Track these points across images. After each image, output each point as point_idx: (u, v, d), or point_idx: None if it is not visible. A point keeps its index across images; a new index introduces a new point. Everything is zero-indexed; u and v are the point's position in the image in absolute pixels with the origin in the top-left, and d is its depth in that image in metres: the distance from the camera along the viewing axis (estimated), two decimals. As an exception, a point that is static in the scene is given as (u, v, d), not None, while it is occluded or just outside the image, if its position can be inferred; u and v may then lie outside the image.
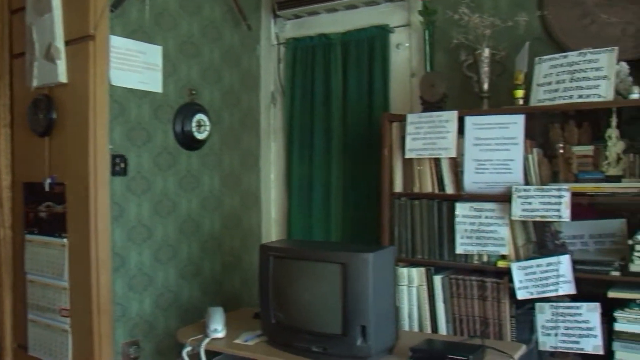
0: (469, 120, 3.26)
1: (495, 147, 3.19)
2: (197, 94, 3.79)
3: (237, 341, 3.07)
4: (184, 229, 3.77)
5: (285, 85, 4.15)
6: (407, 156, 3.42)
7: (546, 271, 3.08)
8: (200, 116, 3.75)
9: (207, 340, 3.06)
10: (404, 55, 3.87)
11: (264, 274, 3.05)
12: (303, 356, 2.87)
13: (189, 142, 3.73)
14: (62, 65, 3.15)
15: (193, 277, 3.84)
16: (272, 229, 4.25)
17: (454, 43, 3.52)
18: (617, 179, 3.01)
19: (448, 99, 3.47)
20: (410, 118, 3.43)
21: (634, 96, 2.92)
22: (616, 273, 2.95)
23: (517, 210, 3.12)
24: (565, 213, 3.01)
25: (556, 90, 3.12)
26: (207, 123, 3.80)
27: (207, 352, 3.04)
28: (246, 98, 4.16)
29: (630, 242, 2.94)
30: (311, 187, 4.05)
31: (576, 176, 3.15)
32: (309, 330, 2.89)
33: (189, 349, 3.09)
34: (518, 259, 3.20)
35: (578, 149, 3.18)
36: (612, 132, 3.05)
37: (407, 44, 3.85)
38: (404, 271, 3.46)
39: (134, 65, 3.44)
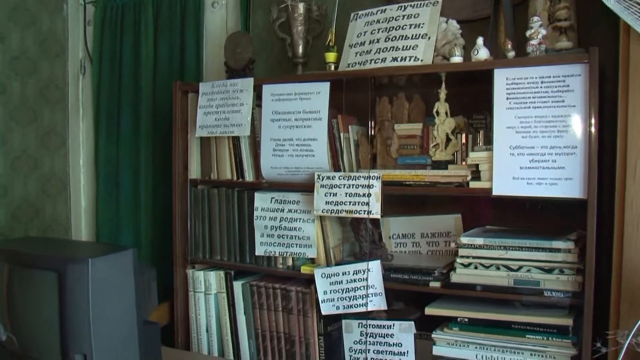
0: (267, 90, 2.31)
1: (295, 122, 2.25)
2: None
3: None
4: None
5: (93, 52, 3.12)
6: (197, 134, 2.46)
7: (354, 280, 2.16)
8: (-37, 84, 2.73)
9: None
10: (221, 15, 2.88)
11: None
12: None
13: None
14: None
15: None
16: (82, 221, 3.24)
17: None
18: (445, 165, 2.11)
19: (256, 66, 2.52)
20: (202, 87, 2.46)
21: (455, 59, 2.00)
22: (436, 284, 2.05)
23: (321, 202, 2.19)
24: (376, 207, 2.09)
25: (368, 52, 2.18)
26: (-23, 93, 2.78)
27: None
28: (47, 66, 3.12)
29: (453, 245, 2.05)
30: (119, 173, 3.05)
31: (396, 161, 2.24)
32: (32, 358, 1.93)
33: None
34: (329, 264, 2.28)
35: (402, 128, 2.27)
36: (441, 107, 2.14)
37: (223, 1, 2.86)
38: (199, 275, 2.52)
39: None
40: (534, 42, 1.87)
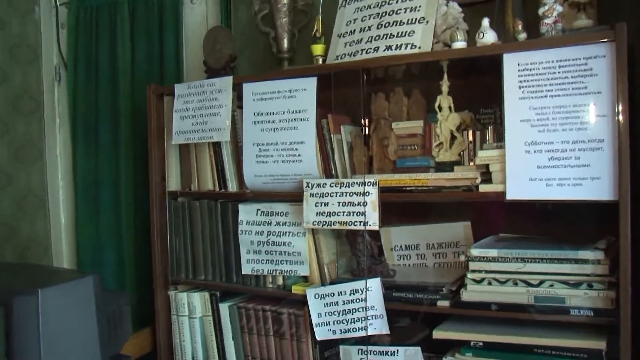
0: (247, 89, 2.05)
1: (279, 124, 1.98)
2: None
3: None
4: None
5: (68, 58, 2.87)
6: (174, 141, 2.20)
7: (351, 301, 1.89)
8: None
9: None
10: (201, 11, 2.62)
11: None
12: None
13: None
14: None
15: None
16: (62, 240, 2.98)
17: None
18: (450, 166, 1.84)
19: (239, 64, 2.27)
20: (177, 89, 2.20)
21: (458, 44, 1.73)
22: (445, 303, 1.78)
23: (311, 214, 1.93)
24: (373, 218, 1.83)
25: (359, 42, 1.92)
26: (-60, 105, 2.54)
27: None
28: (19, 74, 2.86)
29: (463, 257, 1.77)
30: (98, 186, 2.79)
31: (395, 164, 1.97)
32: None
33: None
34: (324, 283, 2.01)
35: (400, 127, 2.00)
36: (443, 101, 1.87)
37: (204, -4, 2.61)
38: (182, 297, 2.26)
39: None
40: (548, 20, 1.60)
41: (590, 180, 1.53)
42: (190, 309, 2.25)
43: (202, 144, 2.18)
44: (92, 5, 2.79)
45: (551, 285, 1.62)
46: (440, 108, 1.88)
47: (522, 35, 1.63)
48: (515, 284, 1.67)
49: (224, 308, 2.19)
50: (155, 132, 2.25)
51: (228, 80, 2.06)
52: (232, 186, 2.15)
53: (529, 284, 1.65)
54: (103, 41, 2.75)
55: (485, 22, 1.68)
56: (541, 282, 1.63)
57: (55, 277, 1.67)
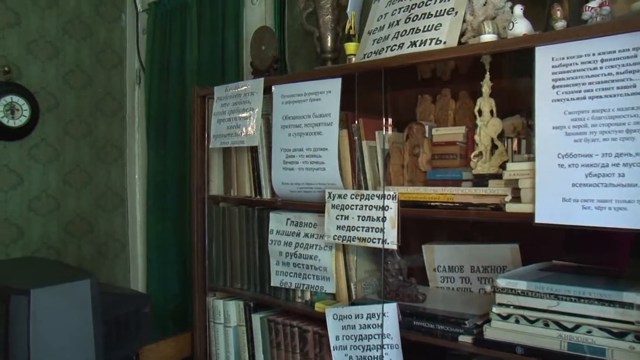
0: (277, 92, 1.92)
1: (305, 129, 1.83)
2: (15, 72, 2.69)
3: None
4: (2, 236, 2.68)
5: (145, 61, 2.93)
6: (211, 145, 2.13)
7: (367, 326, 1.69)
8: (12, 98, 2.65)
9: None
10: (260, 11, 2.53)
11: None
12: None
13: (-4, 130, 2.65)
14: None
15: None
16: (137, 236, 3.05)
17: (300, -12, 2.16)
18: (486, 180, 1.57)
19: (294, 65, 2.14)
20: (217, 92, 2.12)
21: (486, 37, 1.46)
22: (466, 339, 1.52)
23: (332, 227, 1.75)
24: (392, 235, 1.61)
25: (386, 38, 1.70)
26: (26, 107, 2.69)
27: None
28: (103, 77, 2.99)
29: (488, 288, 1.50)
30: (166, 186, 2.81)
31: (427, 175, 1.73)
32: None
33: None
34: (352, 302, 1.82)
35: (439, 133, 1.76)
36: (484, 104, 1.60)
37: (263, -4, 2.52)
38: (219, 304, 2.18)
39: None
40: (592, 4, 1.28)
41: (638, 204, 1.20)
42: (226, 317, 2.17)
43: (242, 148, 2.09)
44: (166, 9, 2.84)
45: (589, 332, 1.30)
46: (480, 112, 1.61)
47: (560, 24, 1.33)
48: (546, 324, 1.37)
49: (256, 319, 2.08)
50: (199, 135, 2.20)
51: (259, 83, 1.95)
52: (266, 193, 2.03)
53: (562, 327, 1.34)
54: (174, 43, 2.79)
55: (518, 10, 1.40)
56: (577, 327, 1.32)
57: (54, 278, 1.66)
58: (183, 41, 2.74)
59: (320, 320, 1.89)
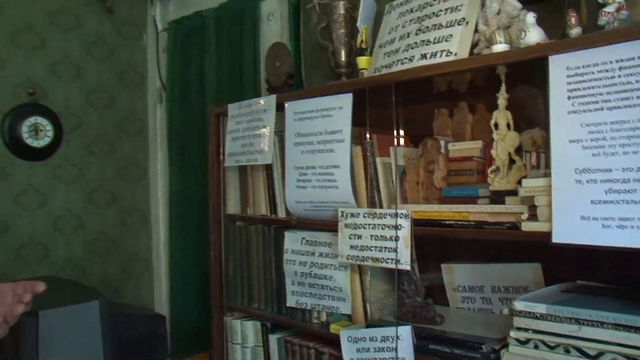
0: (290, 108, 1.88)
1: (317, 146, 1.78)
2: (40, 93, 2.72)
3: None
4: (25, 255, 2.70)
5: (166, 80, 2.94)
6: (226, 164, 2.10)
7: (382, 349, 1.62)
8: (36, 119, 2.69)
9: None
10: (276, 27, 2.50)
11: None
12: None
13: (22, 150, 2.68)
14: None
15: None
16: (161, 253, 3.05)
17: (312, 2, 2.13)
18: (503, 197, 1.49)
19: (310, 81, 2.10)
20: (231, 109, 2.10)
21: (499, 47, 1.39)
22: (483, 365, 1.43)
23: (345, 247, 1.70)
24: (405, 255, 1.55)
25: (397, 51, 1.64)
26: (49, 128, 2.72)
27: None
28: (126, 97, 3.01)
29: (505, 311, 1.42)
30: (188, 204, 2.80)
31: (442, 192, 1.66)
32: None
33: None
34: (368, 324, 1.76)
35: (455, 148, 1.69)
36: (500, 117, 1.53)
37: (279, 12, 2.48)
38: (236, 324, 2.15)
39: None
40: (609, 8, 1.21)
41: (662, 223, 1.11)
42: (243, 337, 2.13)
43: (257, 166, 2.06)
44: (185, 27, 2.84)
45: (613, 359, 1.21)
46: (496, 126, 1.54)
47: (575, 31, 1.25)
48: (567, 351, 1.27)
49: (273, 340, 2.03)
50: (215, 153, 2.18)
51: (272, 99, 1.92)
52: (281, 212, 1.99)
53: (585, 354, 1.25)
54: (194, 62, 2.79)
55: (531, 18, 1.33)
56: (600, 354, 1.23)
57: (64, 299, 1.65)
58: (202, 59, 2.74)
59: (336, 342, 1.83)
